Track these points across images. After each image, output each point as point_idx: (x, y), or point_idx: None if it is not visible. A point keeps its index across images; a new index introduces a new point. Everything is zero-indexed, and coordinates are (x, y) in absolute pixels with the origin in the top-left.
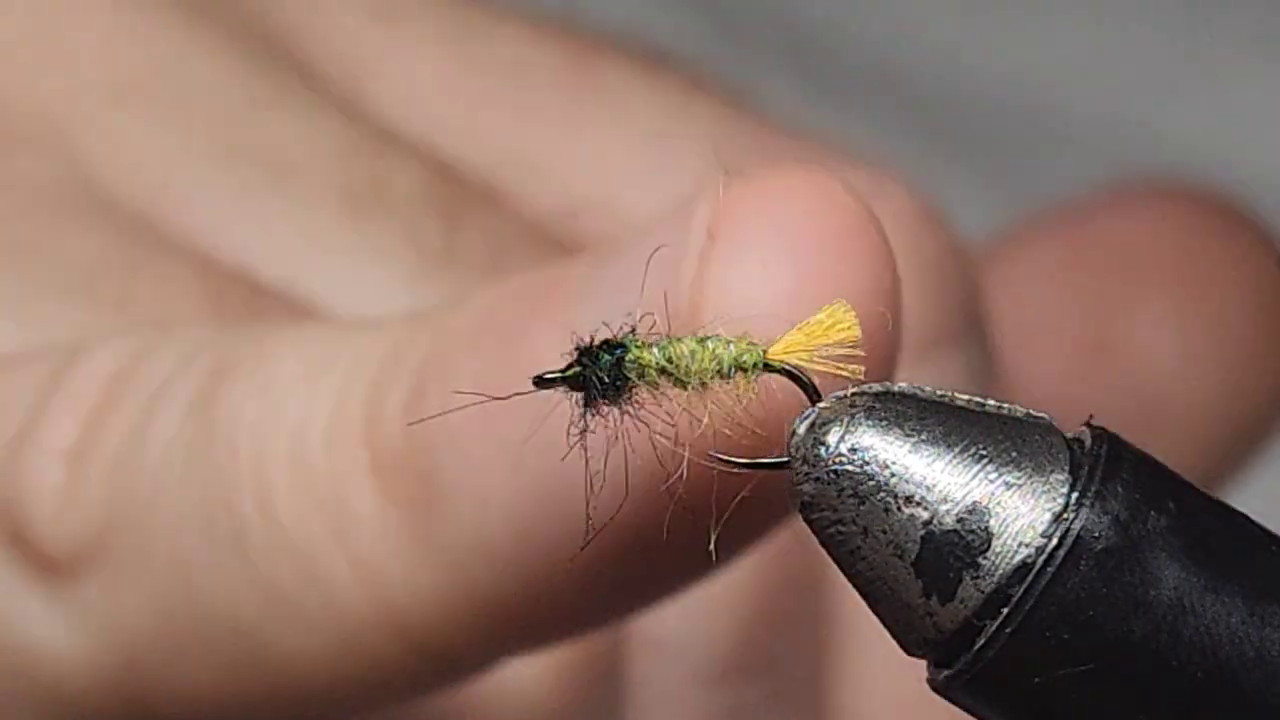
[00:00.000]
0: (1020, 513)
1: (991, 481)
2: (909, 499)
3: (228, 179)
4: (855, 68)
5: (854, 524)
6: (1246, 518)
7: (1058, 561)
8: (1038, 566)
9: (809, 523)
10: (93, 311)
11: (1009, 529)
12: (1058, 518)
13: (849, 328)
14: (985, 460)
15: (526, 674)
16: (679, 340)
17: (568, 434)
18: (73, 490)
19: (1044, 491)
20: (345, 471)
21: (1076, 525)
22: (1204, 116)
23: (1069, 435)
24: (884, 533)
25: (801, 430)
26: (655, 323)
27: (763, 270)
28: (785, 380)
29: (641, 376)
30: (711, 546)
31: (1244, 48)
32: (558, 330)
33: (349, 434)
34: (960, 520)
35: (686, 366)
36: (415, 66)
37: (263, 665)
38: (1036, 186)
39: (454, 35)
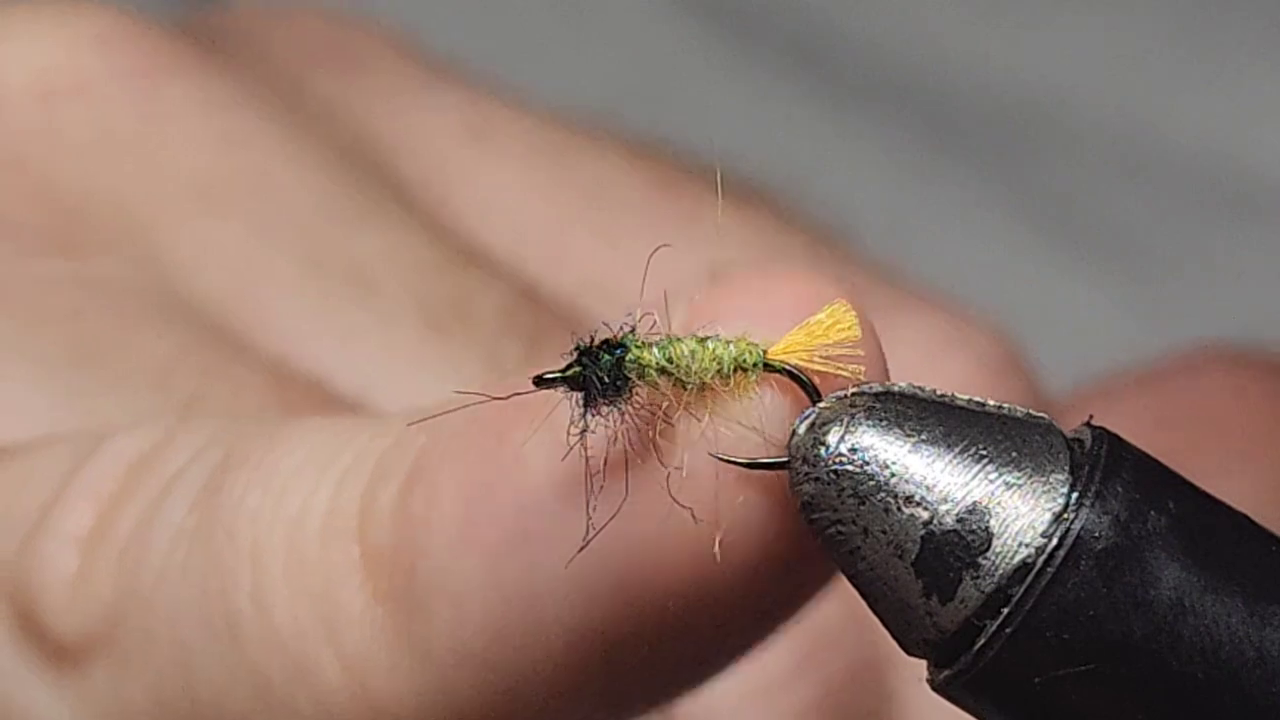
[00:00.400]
0: (1020, 513)
1: (991, 481)
2: (909, 499)
3: (309, 289)
4: (855, 67)
5: (854, 524)
6: (1246, 518)
7: (1058, 561)
8: (1038, 566)
9: (809, 523)
10: (160, 412)
11: (1009, 529)
12: (1058, 518)
13: (849, 327)
14: (985, 460)
15: None
16: (679, 340)
17: (568, 434)
18: (84, 577)
19: (1044, 491)
20: (337, 566)
21: (1077, 525)
22: (1210, 115)
23: (1069, 435)
24: (884, 533)
25: (801, 430)
26: (655, 323)
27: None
28: (785, 380)
29: (641, 376)
30: (716, 548)
31: (1251, 46)
32: (538, 430)
33: (344, 528)
34: (960, 520)
35: (686, 366)
36: (504, 187)
37: None
38: (1038, 186)
39: (544, 157)
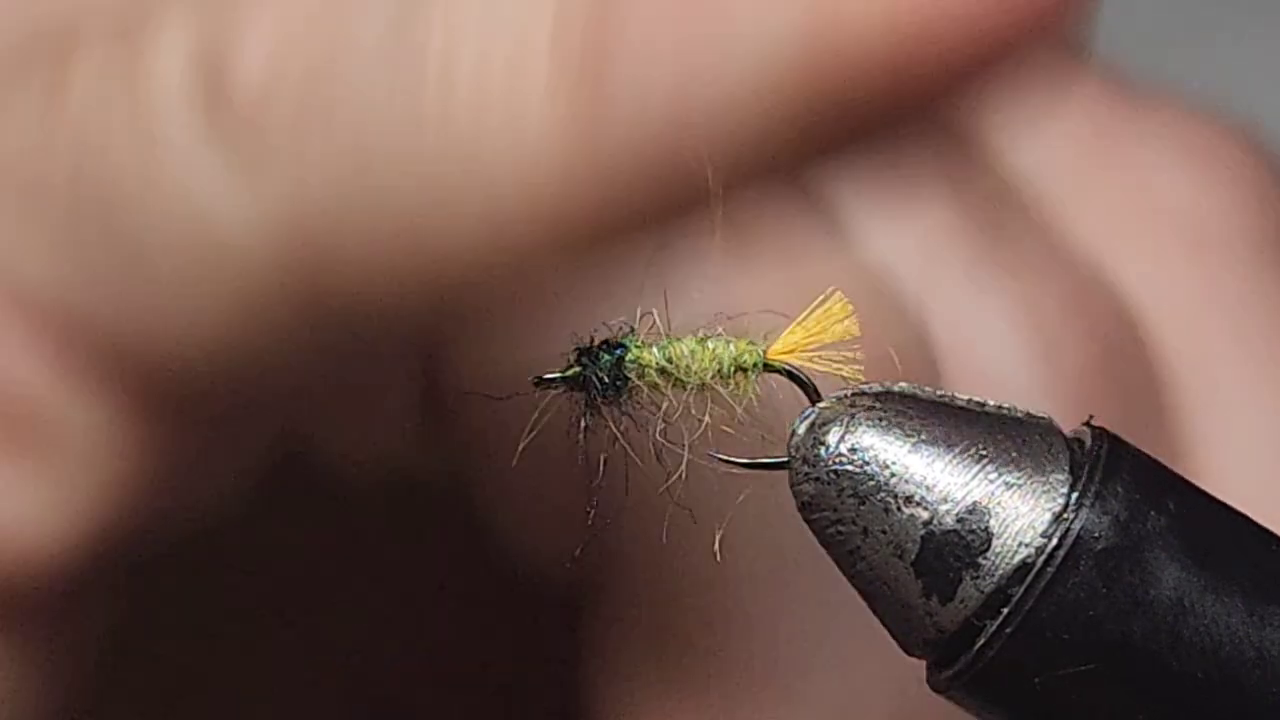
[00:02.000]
0: (1020, 513)
1: (991, 481)
2: (909, 499)
3: None
4: None
5: (854, 524)
6: (1246, 518)
7: (1058, 561)
8: (1038, 566)
9: (809, 523)
10: None
11: (1009, 529)
12: (1058, 518)
13: (848, 324)
14: (985, 460)
15: None
16: (679, 340)
17: (568, 434)
18: (279, 57)
19: (1044, 491)
20: (528, 43)
21: (1076, 525)
22: (1203, 79)
23: (1069, 435)
24: (884, 533)
25: (801, 430)
26: (655, 322)
27: None
28: (785, 380)
29: (641, 376)
30: (716, 547)
31: (1244, 9)
32: None
33: (535, 50)
34: (960, 520)
35: (686, 366)
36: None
37: (422, 253)
38: None
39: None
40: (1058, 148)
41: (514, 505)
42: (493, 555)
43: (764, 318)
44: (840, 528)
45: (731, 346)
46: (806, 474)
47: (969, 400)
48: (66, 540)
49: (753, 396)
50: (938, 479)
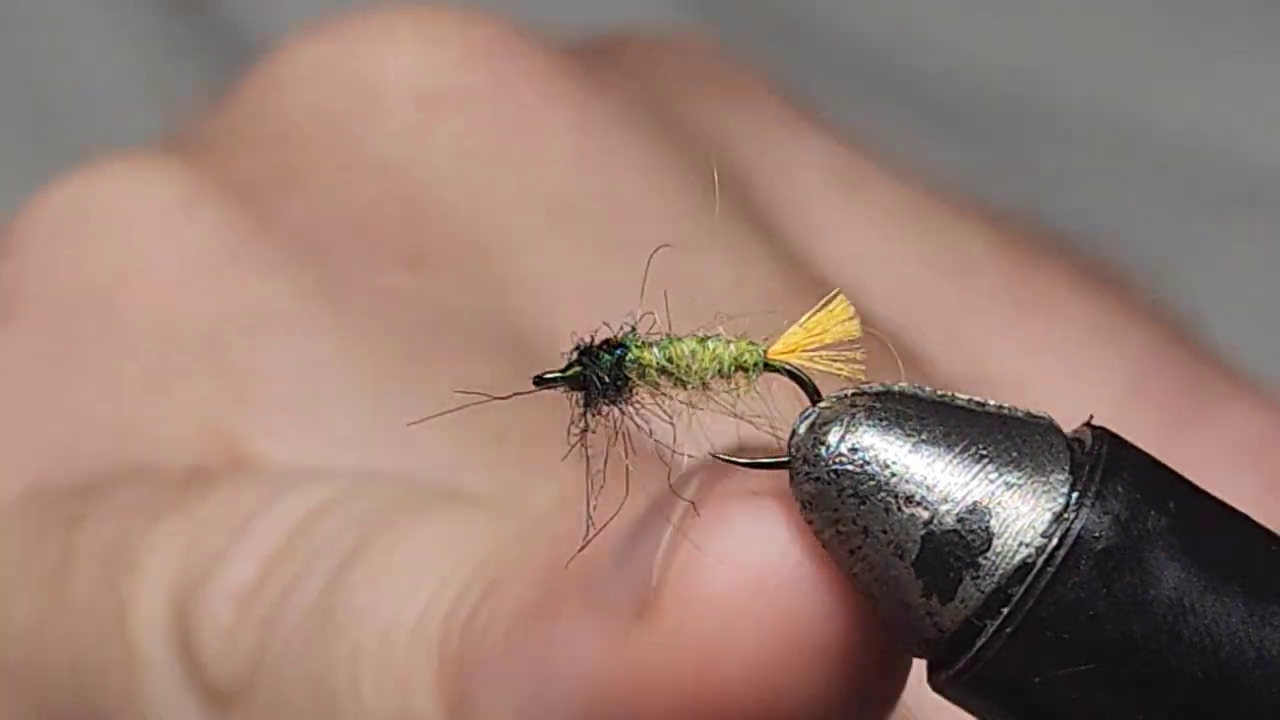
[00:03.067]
0: (1021, 512)
1: (992, 481)
2: (909, 499)
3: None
4: (855, 65)
5: (854, 524)
6: (1246, 518)
7: (1058, 561)
8: (1038, 566)
9: (809, 522)
10: (462, 444)
11: (1009, 529)
12: (1058, 517)
13: (849, 324)
14: (986, 460)
15: None
16: (679, 340)
17: (568, 433)
18: (235, 631)
19: (1044, 491)
20: (417, 673)
21: (1077, 525)
22: (1203, 110)
23: (1069, 435)
24: (884, 533)
25: (802, 430)
26: (655, 322)
27: (722, 567)
28: (786, 380)
29: (642, 376)
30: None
31: (1243, 40)
32: (576, 606)
33: (427, 637)
34: (961, 520)
35: (687, 366)
36: (866, 238)
37: None
38: (1024, 177)
39: (909, 218)
40: None
41: None
42: None
43: (764, 318)
44: (841, 527)
45: (732, 346)
46: (807, 474)
47: (969, 400)
48: None
49: (753, 396)
50: (938, 479)
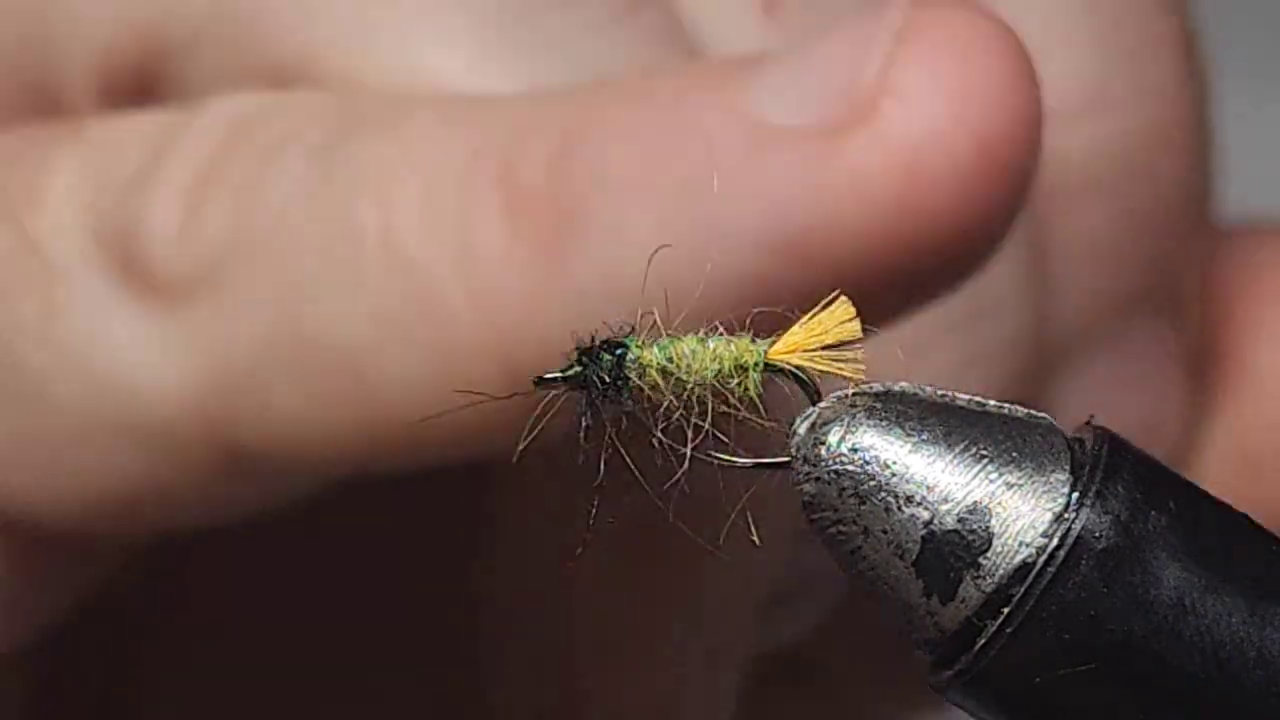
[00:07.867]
0: (1021, 513)
1: (992, 481)
2: (910, 499)
3: None
4: None
5: (855, 524)
6: (1247, 518)
7: (1059, 561)
8: (1038, 566)
9: (810, 522)
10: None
11: (1010, 529)
12: (1059, 517)
13: (850, 325)
14: (986, 460)
15: None
16: (680, 340)
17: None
18: (191, 223)
19: (1045, 491)
20: (477, 206)
21: (1077, 525)
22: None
23: (1070, 435)
24: (885, 533)
25: (802, 430)
26: (655, 322)
27: (938, 82)
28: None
29: (642, 376)
30: (722, 541)
31: (1240, 83)
32: (727, 104)
33: (484, 176)
34: (961, 520)
35: (687, 366)
36: None
37: (359, 393)
38: None
39: None
40: None
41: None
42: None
43: (764, 318)
44: (841, 528)
45: (732, 346)
46: (808, 474)
47: (970, 400)
48: None
49: (754, 396)
50: (938, 479)
